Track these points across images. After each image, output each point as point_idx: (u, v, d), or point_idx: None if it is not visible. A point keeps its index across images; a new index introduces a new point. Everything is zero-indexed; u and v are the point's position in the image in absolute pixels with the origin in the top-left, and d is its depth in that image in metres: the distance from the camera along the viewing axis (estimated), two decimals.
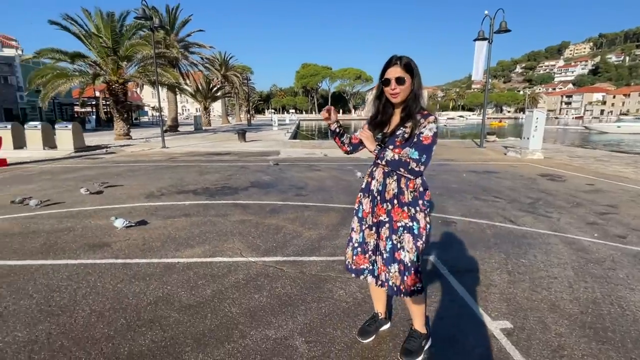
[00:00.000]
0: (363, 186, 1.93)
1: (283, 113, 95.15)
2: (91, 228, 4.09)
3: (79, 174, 7.85)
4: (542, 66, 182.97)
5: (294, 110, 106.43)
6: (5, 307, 2.42)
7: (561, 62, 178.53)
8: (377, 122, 1.85)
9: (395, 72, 1.68)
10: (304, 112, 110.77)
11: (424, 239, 1.78)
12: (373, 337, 2.10)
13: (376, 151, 1.75)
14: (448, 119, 65.17)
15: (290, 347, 2.01)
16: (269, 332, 2.16)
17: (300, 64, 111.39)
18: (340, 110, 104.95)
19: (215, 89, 36.36)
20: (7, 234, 3.86)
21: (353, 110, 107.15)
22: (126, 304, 2.46)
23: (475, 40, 13.06)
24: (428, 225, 1.80)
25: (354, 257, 1.95)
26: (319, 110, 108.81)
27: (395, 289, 1.82)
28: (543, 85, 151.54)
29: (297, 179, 7.14)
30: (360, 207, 1.92)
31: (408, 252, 1.77)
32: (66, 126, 12.72)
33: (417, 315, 1.98)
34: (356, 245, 1.94)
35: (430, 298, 2.55)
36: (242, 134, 16.99)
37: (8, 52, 34.77)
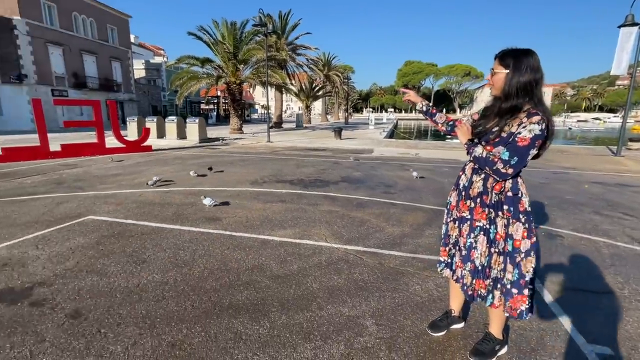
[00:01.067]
0: (456, 180, 1.95)
1: (381, 112, 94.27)
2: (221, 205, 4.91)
3: (201, 161, 9.33)
4: None
5: (392, 109, 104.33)
6: (148, 256, 3.16)
7: None
8: (484, 116, 1.80)
9: (495, 64, 1.68)
10: (403, 111, 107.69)
11: (501, 249, 1.70)
12: (444, 332, 2.12)
13: (466, 145, 1.76)
14: (578, 121, 55.56)
15: (360, 325, 2.18)
16: (343, 309, 2.36)
17: (403, 62, 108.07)
18: (444, 110, 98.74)
19: (317, 88, 38.16)
20: (152, 203, 4.93)
21: (458, 110, 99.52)
22: (229, 267, 2.96)
23: (620, 26, 10.88)
24: (512, 236, 1.68)
25: (441, 249, 2.03)
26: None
27: (465, 288, 1.84)
28: None
29: (387, 177, 7.18)
30: (450, 200, 1.96)
31: (480, 254, 1.75)
32: (194, 121, 15.12)
33: (495, 318, 1.92)
34: (443, 237, 2.02)
35: None
36: (338, 131, 17.58)
37: (157, 59, 42.68)
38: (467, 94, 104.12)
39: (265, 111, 17.46)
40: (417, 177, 7.01)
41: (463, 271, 1.85)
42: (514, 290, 1.72)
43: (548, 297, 2.57)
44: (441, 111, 2.05)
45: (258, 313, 2.29)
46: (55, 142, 10.72)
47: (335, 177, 7.12)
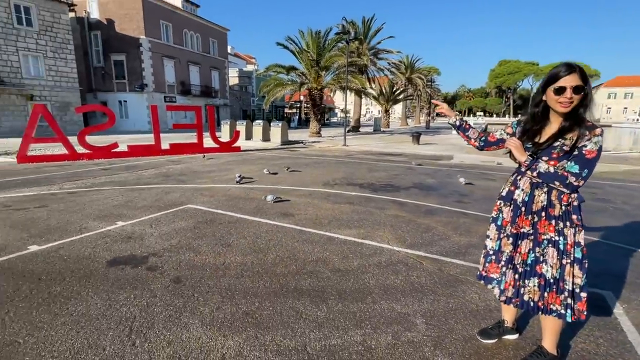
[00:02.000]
0: (504, 194, 1.92)
1: (469, 116, 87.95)
2: (283, 201, 5.43)
3: (281, 161, 10.13)
4: None
5: (482, 113, 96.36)
6: (232, 241, 3.72)
7: None
8: (528, 130, 1.82)
9: (573, 80, 1.59)
10: (494, 115, 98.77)
11: (573, 258, 1.72)
12: (494, 340, 2.14)
13: (527, 162, 1.73)
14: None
15: (410, 322, 2.32)
16: (395, 305, 2.52)
17: (497, 62, 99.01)
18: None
19: (397, 91, 37.53)
20: (237, 197, 5.64)
21: None
22: (297, 257, 3.34)
23: None
24: (580, 243, 1.71)
25: (487, 265, 1.98)
26: (514, 113, 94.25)
27: (531, 304, 1.80)
28: None
29: (462, 186, 6.92)
30: (500, 215, 1.92)
31: (551, 267, 1.74)
32: (277, 124, 16.33)
33: (550, 333, 1.90)
34: (490, 252, 1.97)
35: (584, 329, 2.28)
36: (416, 136, 17.17)
37: (249, 67, 46.70)
38: None
39: (345, 115, 17.89)
40: (464, 183, 6.99)
41: (523, 289, 1.83)
42: (583, 295, 1.75)
43: (624, 319, 2.35)
44: (473, 127, 2.07)
45: (318, 298, 2.60)
46: (165, 141, 12.68)
47: (406, 183, 7.13)
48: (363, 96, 26.45)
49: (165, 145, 11.42)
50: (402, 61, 40.81)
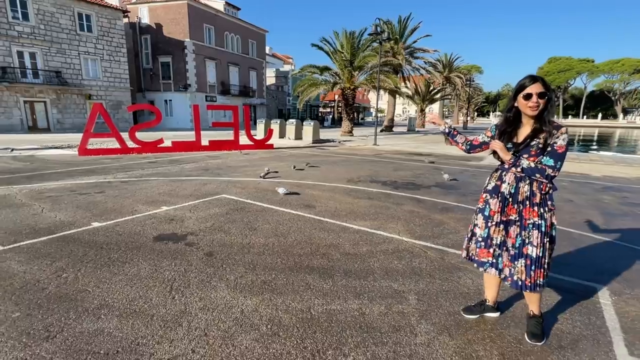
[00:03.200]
0: (490, 188, 2.21)
1: None
2: (308, 195, 5.87)
3: (310, 159, 10.60)
4: None
5: None
6: (258, 226, 4.21)
7: None
8: (505, 132, 2.12)
9: (538, 87, 1.91)
10: None
11: (549, 237, 2.02)
12: (476, 316, 2.42)
13: (512, 160, 2.03)
14: None
15: (404, 297, 2.65)
16: (393, 284, 2.86)
17: (547, 59, 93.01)
18: (599, 115, 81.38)
19: (434, 91, 36.80)
20: (266, 190, 6.17)
21: (621, 115, 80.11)
22: (313, 242, 3.75)
23: None
24: (554, 224, 2.05)
25: (477, 250, 2.26)
26: (564, 114, 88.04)
27: (520, 283, 2.08)
28: None
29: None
30: (487, 206, 2.20)
31: (535, 247, 2.02)
32: (309, 123, 16.84)
33: (535, 301, 2.21)
34: (480, 239, 2.24)
35: (566, 313, 2.49)
36: None
37: (286, 67, 47.82)
38: (636, 95, 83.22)
39: (380, 114, 18.12)
40: (448, 179, 7.42)
41: (513, 269, 2.10)
42: (538, 265, 2.05)
43: (608, 308, 2.53)
44: (460, 133, 2.38)
45: (325, 275, 2.99)
46: (205, 138, 13.61)
47: (429, 182, 7.30)
48: (399, 96, 26.34)
49: (204, 142, 12.31)
50: (440, 60, 39.90)
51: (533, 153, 1.99)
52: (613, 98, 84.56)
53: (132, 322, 2.26)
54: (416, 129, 31.92)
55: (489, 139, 2.25)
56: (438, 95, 38.25)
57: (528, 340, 2.17)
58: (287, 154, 11.88)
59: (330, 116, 43.04)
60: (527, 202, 2.04)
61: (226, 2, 33.20)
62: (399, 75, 25.51)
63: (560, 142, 1.92)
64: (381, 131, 23.50)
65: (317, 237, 3.91)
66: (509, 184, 2.10)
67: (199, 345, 2.06)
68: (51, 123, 23.03)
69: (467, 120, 42.06)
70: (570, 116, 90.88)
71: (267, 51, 42.01)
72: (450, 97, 44.74)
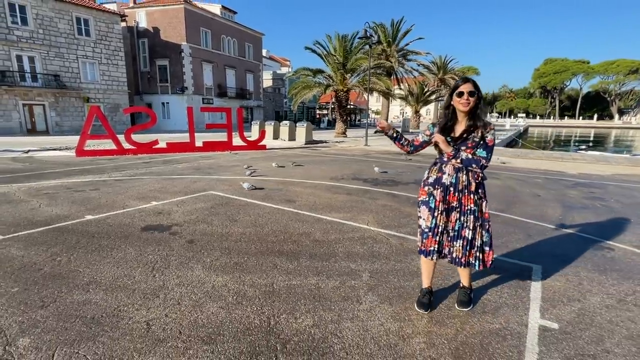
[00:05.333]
0: (431, 181, 2.47)
1: (510, 117, 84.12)
2: (291, 191, 6.22)
3: (300, 159, 10.96)
4: None
5: (524, 115, 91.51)
6: (238, 218, 4.56)
7: None
8: (444, 128, 2.42)
9: (468, 87, 2.22)
10: (537, 117, 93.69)
11: (481, 221, 2.36)
12: (428, 310, 2.56)
13: (452, 152, 2.34)
14: None
15: (357, 275, 3.01)
16: (351, 264, 3.21)
17: (543, 60, 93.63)
18: (595, 116, 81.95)
19: (428, 92, 37.23)
20: (251, 187, 6.53)
21: (617, 116, 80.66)
22: (287, 231, 4.10)
23: None
24: (485, 211, 2.39)
25: (424, 241, 2.50)
26: (561, 115, 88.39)
27: (457, 260, 2.41)
28: None
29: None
30: (431, 198, 2.46)
31: (470, 230, 2.36)
32: (302, 125, 17.21)
33: (466, 276, 2.57)
34: (426, 230, 2.48)
35: (497, 286, 2.85)
36: None
37: (283, 70, 48.25)
38: (632, 96, 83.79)
39: (376, 116, 18.46)
40: (379, 171, 8.15)
41: (452, 248, 2.43)
42: (486, 248, 2.40)
43: (536, 285, 2.88)
44: (403, 136, 2.57)
45: (292, 257, 3.35)
46: (200, 140, 13.96)
47: (408, 179, 7.66)
48: (393, 98, 26.72)
49: (198, 143, 12.67)
50: (434, 62, 40.34)
51: (470, 146, 2.30)
52: (609, 99, 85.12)
53: (116, 295, 2.61)
54: (410, 130, 32.30)
55: (428, 138, 2.52)
56: (432, 97, 38.66)
57: (457, 307, 2.52)
58: (278, 154, 12.24)
59: (327, 118, 43.46)
60: (465, 191, 2.35)
61: (222, 6, 33.67)
62: (392, 78, 25.90)
63: (490, 136, 2.26)
64: (375, 132, 23.88)
65: (292, 227, 4.26)
66: (449, 174, 2.38)
67: (172, 312, 2.41)
68: (50, 125, 23.38)
69: None
70: (566, 117, 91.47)
71: (264, 54, 42.45)
72: (443, 98, 45.12)
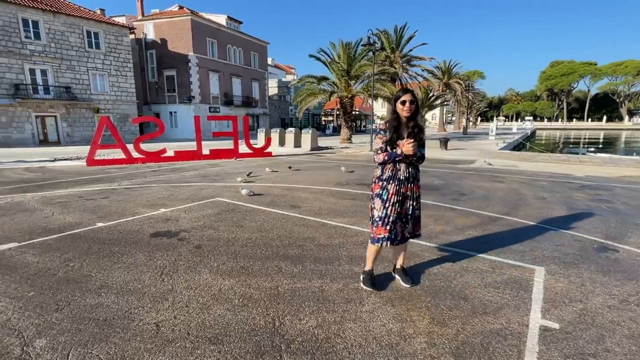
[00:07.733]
0: (386, 177, 2.72)
1: (517, 120, 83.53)
2: (296, 197, 6.31)
3: (305, 165, 11.07)
4: None
5: (531, 118, 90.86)
6: (245, 224, 4.65)
7: None
8: (395, 132, 2.68)
9: (409, 96, 2.60)
10: (545, 120, 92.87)
11: (419, 202, 2.84)
12: (372, 288, 2.89)
13: (417, 152, 2.65)
14: None
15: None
16: (354, 268, 3.27)
17: (549, 63, 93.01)
18: (604, 118, 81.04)
19: (433, 97, 37.26)
20: (257, 193, 6.62)
21: (627, 117, 79.59)
22: (292, 236, 4.18)
23: None
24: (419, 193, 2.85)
25: (374, 229, 2.80)
26: (569, 117, 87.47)
27: (408, 235, 2.82)
28: None
29: (467, 187, 7.36)
30: (385, 191, 2.71)
31: (417, 210, 2.84)
32: (308, 131, 17.37)
33: (403, 255, 3.01)
34: (377, 219, 2.75)
35: (499, 289, 2.88)
36: (444, 142, 17.36)
37: (289, 77, 48.75)
38: None
39: (381, 121, 18.55)
40: (345, 171, 8.63)
41: (405, 230, 2.77)
42: (419, 222, 2.93)
43: (538, 284, 2.91)
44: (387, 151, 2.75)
45: (297, 261, 3.42)
46: (207, 148, 14.18)
47: None
48: None
49: (205, 151, 12.87)
50: (439, 66, 40.46)
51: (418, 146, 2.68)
52: (618, 100, 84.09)
53: (127, 298, 2.71)
54: None
55: (384, 143, 2.70)
56: (437, 102, 38.66)
57: (405, 285, 2.91)
58: (284, 161, 12.37)
59: (332, 124, 43.68)
60: (415, 181, 2.76)
61: (228, 17, 34.28)
62: (396, 83, 26.01)
63: (423, 136, 2.72)
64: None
65: (297, 232, 4.34)
66: (402, 170, 2.70)
67: (180, 313, 2.50)
68: (61, 136, 23.91)
69: (467, 126, 42.28)
70: (575, 119, 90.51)
71: (269, 62, 43.00)
72: (447, 103, 45.13)
